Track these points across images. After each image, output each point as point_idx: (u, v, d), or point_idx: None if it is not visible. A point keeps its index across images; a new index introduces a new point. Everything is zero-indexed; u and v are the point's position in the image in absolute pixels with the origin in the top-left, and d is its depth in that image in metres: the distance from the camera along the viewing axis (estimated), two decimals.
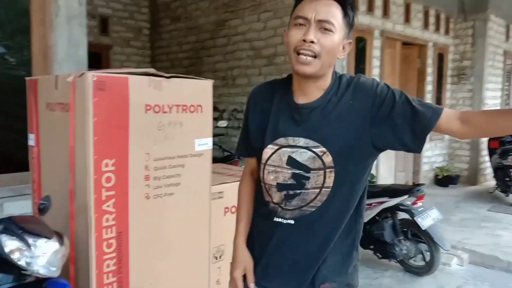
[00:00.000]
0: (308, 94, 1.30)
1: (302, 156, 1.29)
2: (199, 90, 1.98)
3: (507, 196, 6.18)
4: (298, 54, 1.23)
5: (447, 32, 7.30)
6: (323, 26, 1.21)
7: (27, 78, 2.06)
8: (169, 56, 7.58)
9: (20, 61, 3.29)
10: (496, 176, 6.31)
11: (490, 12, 7.22)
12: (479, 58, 7.21)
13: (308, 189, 1.29)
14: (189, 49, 7.15)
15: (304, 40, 1.21)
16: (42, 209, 1.51)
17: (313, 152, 1.27)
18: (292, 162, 1.30)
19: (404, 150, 1.26)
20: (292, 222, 1.33)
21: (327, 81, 1.30)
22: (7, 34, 3.34)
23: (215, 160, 5.49)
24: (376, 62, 5.93)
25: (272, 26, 5.85)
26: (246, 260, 1.44)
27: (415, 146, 1.24)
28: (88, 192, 1.64)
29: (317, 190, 1.29)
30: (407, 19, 6.37)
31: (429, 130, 1.21)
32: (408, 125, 1.21)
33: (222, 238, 2.17)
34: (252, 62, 6.15)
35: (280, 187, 1.33)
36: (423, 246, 3.65)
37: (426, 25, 6.77)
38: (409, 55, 6.84)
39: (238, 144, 1.52)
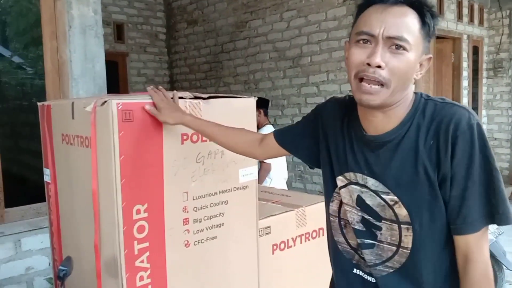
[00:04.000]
0: (375, 125, 1.00)
1: (373, 200, 1.01)
2: (242, 111, 1.66)
3: None
4: (361, 80, 0.92)
5: (481, 23, 6.83)
6: (394, 43, 0.90)
7: (39, 104, 1.76)
8: (187, 62, 7.28)
9: (36, 71, 2.99)
10: None
11: None
12: None
13: (382, 242, 1.02)
14: (208, 53, 6.85)
15: (368, 64, 0.90)
16: (62, 277, 1.21)
17: (382, 199, 0.99)
18: (361, 203, 1.04)
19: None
20: (373, 280, 1.06)
21: (402, 109, 0.98)
22: (22, 44, 3.07)
23: None
24: None
25: (296, 26, 5.50)
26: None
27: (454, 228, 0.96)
28: (117, 247, 1.33)
29: (394, 248, 1.01)
30: (440, 11, 5.94)
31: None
32: (459, 204, 0.93)
33: (272, 281, 1.84)
34: (276, 65, 5.81)
35: (355, 230, 1.08)
36: None
37: (459, 16, 6.33)
38: (443, 50, 6.40)
39: (284, 129, 1.31)
